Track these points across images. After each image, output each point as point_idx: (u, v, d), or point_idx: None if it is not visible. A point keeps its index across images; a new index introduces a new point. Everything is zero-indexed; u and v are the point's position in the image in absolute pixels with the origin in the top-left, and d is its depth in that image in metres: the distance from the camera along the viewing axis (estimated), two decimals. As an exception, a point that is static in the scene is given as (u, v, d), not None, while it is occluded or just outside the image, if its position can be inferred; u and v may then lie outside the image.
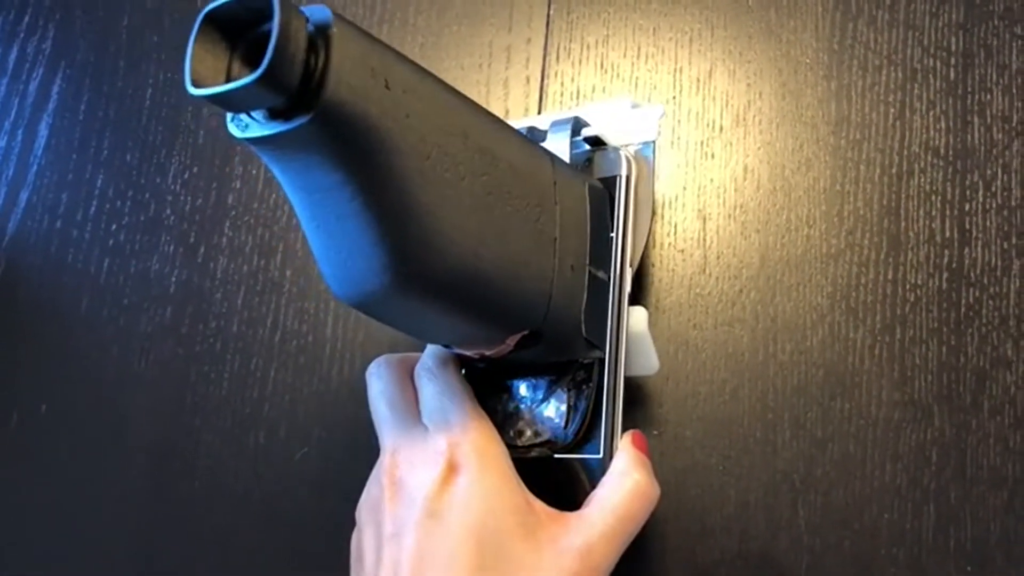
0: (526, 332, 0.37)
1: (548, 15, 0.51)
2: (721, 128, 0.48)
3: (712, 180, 0.47)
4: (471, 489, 0.34)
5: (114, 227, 0.51)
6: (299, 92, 0.26)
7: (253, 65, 0.26)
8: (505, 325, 0.36)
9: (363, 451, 0.46)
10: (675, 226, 0.47)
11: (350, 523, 0.45)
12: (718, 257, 0.46)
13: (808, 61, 0.48)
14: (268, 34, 0.25)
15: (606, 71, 0.49)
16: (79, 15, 0.55)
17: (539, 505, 0.36)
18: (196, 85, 0.26)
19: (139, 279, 0.50)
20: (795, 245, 0.46)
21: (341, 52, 0.27)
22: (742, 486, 0.44)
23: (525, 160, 0.37)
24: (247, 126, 0.28)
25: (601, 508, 0.36)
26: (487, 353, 0.37)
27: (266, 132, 0.27)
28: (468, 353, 0.38)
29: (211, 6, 0.26)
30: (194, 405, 0.48)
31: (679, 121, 0.48)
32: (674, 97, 0.49)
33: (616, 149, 0.43)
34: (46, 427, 0.49)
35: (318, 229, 0.31)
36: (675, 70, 0.49)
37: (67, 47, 0.55)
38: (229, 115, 0.28)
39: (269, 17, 0.25)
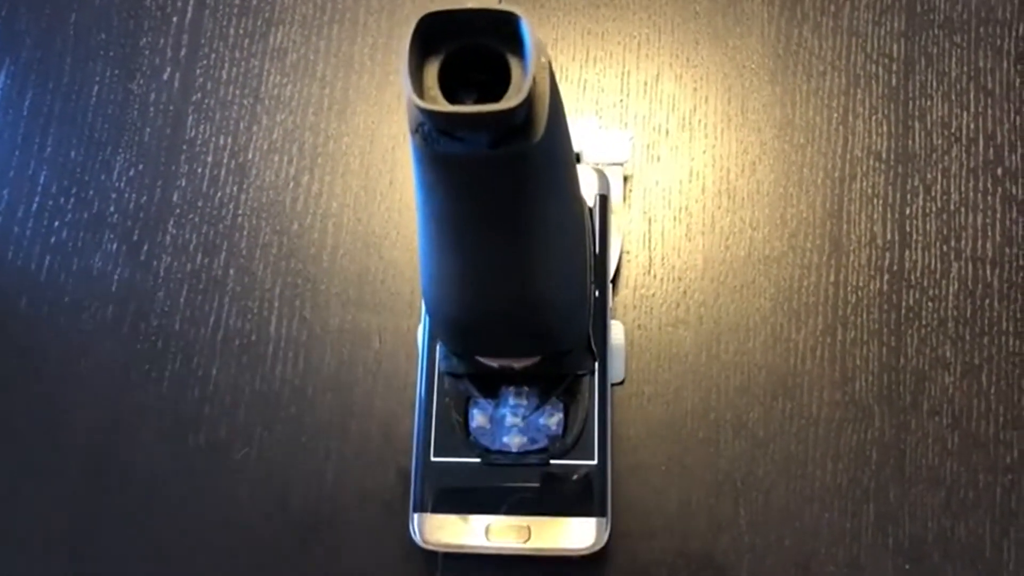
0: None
1: (498, 18, 0.51)
2: (667, 131, 0.48)
3: (658, 183, 0.47)
4: None
5: (56, 224, 0.50)
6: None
7: (443, 79, 0.23)
8: (558, 344, 0.36)
9: (304, 451, 0.46)
10: (620, 228, 0.47)
11: (290, 522, 0.45)
12: (663, 259, 0.47)
13: (753, 66, 0.49)
14: (477, 48, 0.23)
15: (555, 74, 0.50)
16: (24, 12, 0.55)
17: None
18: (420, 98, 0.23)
19: (81, 277, 0.50)
20: (739, 247, 0.46)
21: (553, 83, 0.24)
22: (685, 486, 0.44)
23: (579, 183, 0.37)
24: (439, 141, 0.24)
25: None
26: (515, 366, 0.37)
27: (465, 152, 0.24)
28: (492, 364, 0.38)
29: (437, 8, 0.23)
30: (134, 405, 0.47)
31: (626, 124, 0.49)
32: (621, 100, 0.49)
33: (592, 167, 0.43)
34: (-19, 428, 0.48)
35: (449, 243, 0.29)
36: (623, 73, 0.49)
37: (12, 44, 0.54)
38: (417, 127, 0.24)
39: (489, 31, 0.23)
